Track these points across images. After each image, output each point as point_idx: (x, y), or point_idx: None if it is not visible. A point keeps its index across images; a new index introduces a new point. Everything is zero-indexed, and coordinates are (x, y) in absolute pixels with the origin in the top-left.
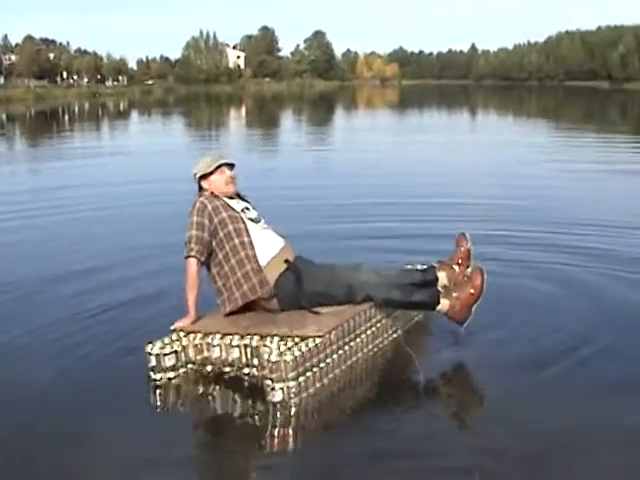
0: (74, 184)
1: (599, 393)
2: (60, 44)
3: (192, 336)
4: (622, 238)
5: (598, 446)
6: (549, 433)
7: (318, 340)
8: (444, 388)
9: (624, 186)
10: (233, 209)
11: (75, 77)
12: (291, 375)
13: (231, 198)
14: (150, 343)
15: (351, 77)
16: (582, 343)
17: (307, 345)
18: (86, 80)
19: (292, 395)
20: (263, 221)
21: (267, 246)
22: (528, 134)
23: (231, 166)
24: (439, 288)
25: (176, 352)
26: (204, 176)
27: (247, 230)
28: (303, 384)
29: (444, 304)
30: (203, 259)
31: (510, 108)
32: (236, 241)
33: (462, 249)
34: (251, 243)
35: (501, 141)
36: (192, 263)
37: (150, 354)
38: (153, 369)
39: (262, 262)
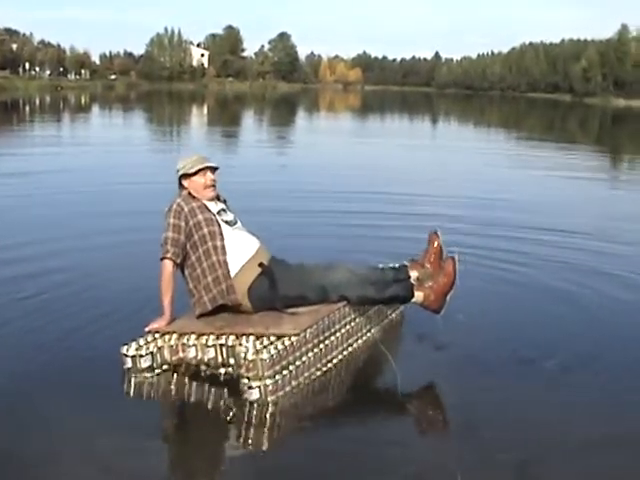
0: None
1: (577, 405)
2: (23, 35)
3: (167, 337)
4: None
5: (574, 453)
6: (525, 439)
7: (294, 338)
8: (418, 390)
9: (582, 193)
10: (209, 211)
11: (37, 69)
12: (267, 373)
13: (209, 200)
14: (125, 344)
15: (314, 80)
16: (555, 350)
17: (283, 343)
18: (48, 72)
19: (269, 393)
20: (239, 223)
21: (240, 250)
22: (484, 141)
23: (214, 169)
24: (412, 281)
25: (152, 353)
26: (186, 175)
27: (221, 234)
28: (280, 382)
29: (419, 295)
30: (179, 261)
31: (471, 117)
32: (209, 245)
33: (434, 246)
34: (224, 248)
35: (458, 147)
36: (167, 265)
37: (126, 355)
38: (129, 370)
39: (235, 267)
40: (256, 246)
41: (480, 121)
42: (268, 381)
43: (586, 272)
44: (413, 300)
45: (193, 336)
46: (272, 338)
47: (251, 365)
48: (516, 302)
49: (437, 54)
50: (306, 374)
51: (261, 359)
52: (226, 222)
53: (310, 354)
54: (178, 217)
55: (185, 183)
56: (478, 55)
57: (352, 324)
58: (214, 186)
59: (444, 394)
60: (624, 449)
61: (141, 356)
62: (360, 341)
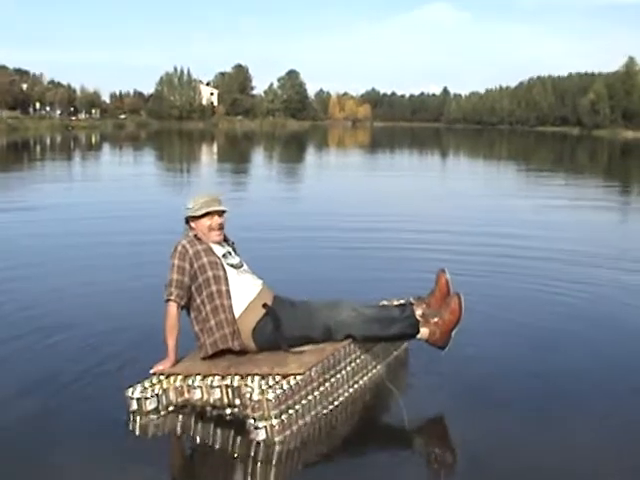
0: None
1: (581, 441)
2: (34, 75)
3: (172, 378)
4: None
5: None
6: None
7: (299, 377)
8: (425, 426)
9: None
10: (214, 254)
11: (48, 108)
12: (274, 413)
13: (215, 243)
14: (130, 387)
15: (323, 117)
16: (562, 384)
17: (288, 383)
18: (59, 112)
19: (275, 433)
20: (245, 266)
21: (244, 292)
22: (493, 176)
23: (222, 212)
24: (417, 317)
25: (157, 395)
26: (193, 217)
27: (226, 278)
28: (286, 422)
29: (424, 332)
30: (183, 303)
31: (480, 152)
32: (213, 288)
33: (441, 284)
34: (228, 292)
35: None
36: (172, 306)
37: (131, 398)
38: (134, 412)
39: (239, 310)
40: (259, 287)
41: (489, 156)
42: (274, 421)
43: (598, 304)
44: (418, 336)
45: (198, 377)
46: (277, 377)
47: (257, 405)
48: (525, 335)
49: (445, 89)
50: (312, 413)
51: (267, 399)
52: (231, 265)
53: (316, 392)
54: (182, 259)
55: (192, 224)
56: (486, 90)
57: (357, 361)
58: (221, 229)
59: (451, 430)
60: None
61: (146, 398)
62: (366, 378)
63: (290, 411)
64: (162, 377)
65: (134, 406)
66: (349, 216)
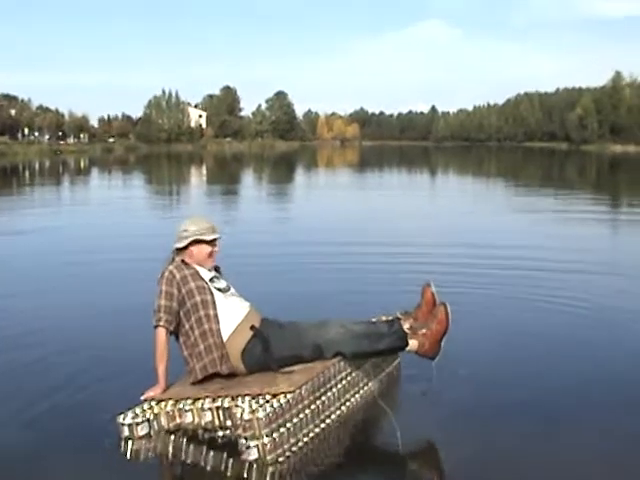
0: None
1: (576, 460)
2: (22, 100)
3: (163, 404)
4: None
5: None
6: None
7: (289, 396)
8: (418, 445)
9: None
10: (202, 278)
11: (36, 134)
12: (265, 432)
13: (207, 268)
14: (121, 414)
15: (312, 137)
16: (561, 397)
17: (279, 401)
18: (47, 137)
19: (267, 452)
20: (232, 289)
21: (232, 316)
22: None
23: (213, 241)
24: (405, 329)
25: (149, 420)
26: (199, 240)
27: (214, 302)
28: (277, 440)
29: (413, 344)
30: (171, 328)
31: (469, 169)
32: (201, 313)
33: (427, 297)
34: (216, 316)
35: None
36: (161, 332)
37: (123, 424)
38: (126, 438)
39: (227, 333)
40: (247, 310)
41: (478, 173)
42: (266, 439)
43: (593, 318)
44: (407, 349)
45: (189, 401)
46: (267, 397)
47: (248, 425)
48: (518, 351)
49: (433, 107)
50: (304, 431)
51: (257, 417)
52: (218, 289)
53: (307, 411)
54: (170, 284)
55: (192, 247)
56: (474, 107)
57: (348, 379)
58: (213, 256)
59: (444, 449)
60: None
61: (138, 424)
62: (357, 395)
63: (281, 429)
64: (153, 403)
65: (126, 432)
66: (337, 233)
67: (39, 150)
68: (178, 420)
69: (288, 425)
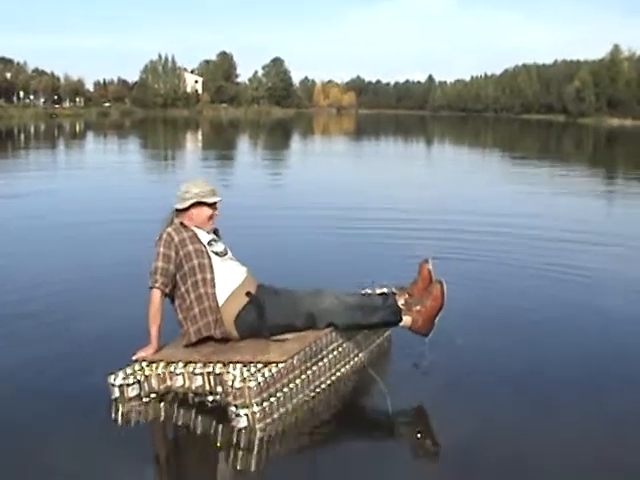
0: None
1: (560, 430)
2: (17, 63)
3: (154, 365)
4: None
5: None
6: (513, 466)
7: (281, 365)
8: (410, 415)
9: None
10: (200, 242)
11: (32, 97)
12: (255, 401)
13: (206, 230)
14: (112, 374)
15: (308, 105)
16: (553, 371)
17: (270, 371)
18: (43, 100)
19: (257, 421)
20: (229, 253)
21: (228, 280)
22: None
23: (214, 204)
24: (400, 305)
25: (139, 382)
26: (200, 202)
27: (211, 266)
28: (267, 409)
29: (407, 320)
30: (167, 290)
31: (466, 140)
32: (198, 277)
33: (423, 274)
34: (212, 280)
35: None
36: (156, 294)
37: (113, 385)
38: (116, 399)
39: (222, 298)
40: (243, 275)
41: (475, 143)
42: (256, 408)
43: (592, 286)
44: (401, 324)
45: (180, 364)
46: (259, 365)
47: (238, 393)
48: (514, 319)
49: (431, 77)
50: (294, 400)
51: (248, 387)
52: (216, 253)
53: (298, 381)
54: (168, 247)
55: (193, 209)
56: (472, 77)
57: (339, 349)
58: (213, 219)
59: (435, 418)
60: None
61: (128, 385)
62: (348, 366)
63: (272, 399)
64: (144, 364)
65: (116, 393)
66: (332, 202)
67: (34, 113)
68: (169, 382)
69: (279, 394)
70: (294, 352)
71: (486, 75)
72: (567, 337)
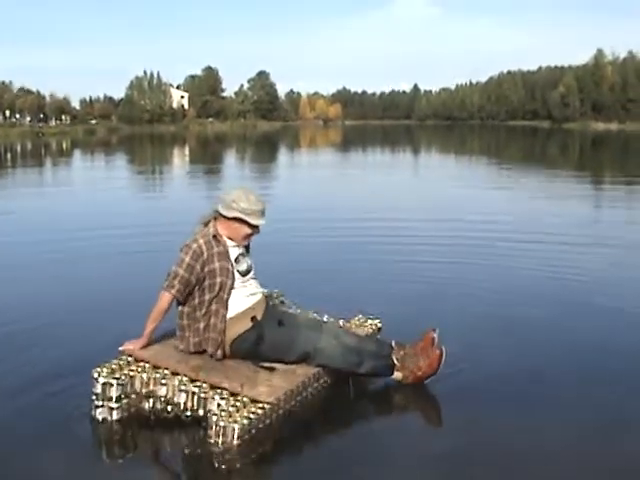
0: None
1: (547, 426)
2: (2, 82)
3: (140, 367)
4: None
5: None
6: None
7: (267, 407)
8: (407, 416)
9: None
10: (228, 258)
11: (18, 116)
12: (237, 440)
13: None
14: (98, 367)
15: (294, 117)
16: (545, 368)
17: (256, 412)
18: (29, 119)
19: (235, 447)
20: (252, 272)
21: (240, 302)
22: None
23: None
24: (395, 361)
25: (123, 385)
26: (242, 219)
27: (231, 288)
28: (248, 442)
29: (397, 375)
30: (181, 299)
31: (452, 148)
32: (216, 294)
33: (426, 339)
34: (227, 302)
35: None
36: (167, 298)
37: (97, 381)
38: (97, 396)
39: (228, 316)
40: (257, 298)
41: (461, 152)
42: (235, 442)
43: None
44: (391, 377)
45: (167, 372)
46: (245, 399)
47: (222, 431)
48: (508, 320)
49: (416, 86)
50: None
51: (233, 428)
52: (240, 272)
53: (281, 412)
54: (195, 259)
55: (234, 222)
56: (457, 85)
57: (325, 384)
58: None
59: (431, 419)
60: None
61: (111, 385)
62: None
63: (252, 431)
64: (130, 359)
65: (98, 389)
66: (323, 210)
67: (21, 132)
68: (152, 388)
69: (261, 426)
70: (282, 392)
71: (471, 83)
72: (567, 337)
